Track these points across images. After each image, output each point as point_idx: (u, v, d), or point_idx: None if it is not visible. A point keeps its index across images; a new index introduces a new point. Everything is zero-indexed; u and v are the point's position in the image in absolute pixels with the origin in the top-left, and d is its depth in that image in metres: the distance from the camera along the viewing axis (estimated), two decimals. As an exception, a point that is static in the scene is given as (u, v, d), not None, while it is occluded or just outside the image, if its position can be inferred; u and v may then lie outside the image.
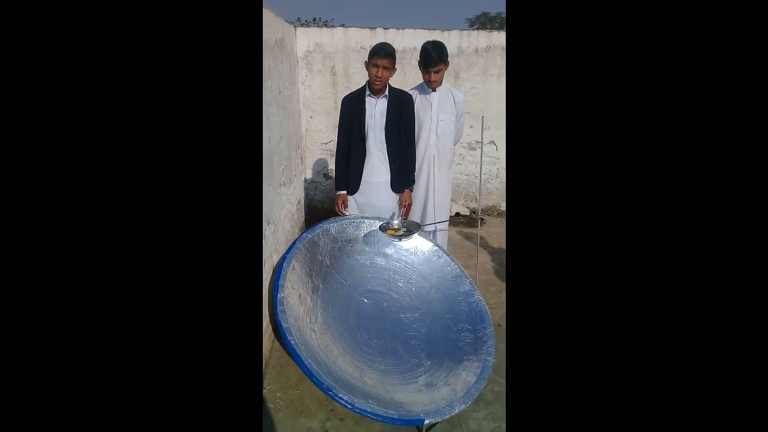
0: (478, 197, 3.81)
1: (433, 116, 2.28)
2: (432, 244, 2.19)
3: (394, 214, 2.20)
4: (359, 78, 3.55)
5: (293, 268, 1.77)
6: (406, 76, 3.57)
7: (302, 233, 1.97)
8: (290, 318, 1.58)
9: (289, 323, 1.55)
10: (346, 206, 2.25)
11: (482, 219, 3.29)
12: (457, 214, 3.81)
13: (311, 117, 3.66)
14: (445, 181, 2.39)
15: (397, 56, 3.59)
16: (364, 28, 3.48)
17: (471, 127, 3.44)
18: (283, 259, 1.80)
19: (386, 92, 2.17)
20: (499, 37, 3.58)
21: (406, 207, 2.22)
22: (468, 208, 3.92)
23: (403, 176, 2.26)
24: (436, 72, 2.16)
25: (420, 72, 2.27)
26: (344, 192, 2.25)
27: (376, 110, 2.17)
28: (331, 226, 2.06)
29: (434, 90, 2.26)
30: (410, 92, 2.34)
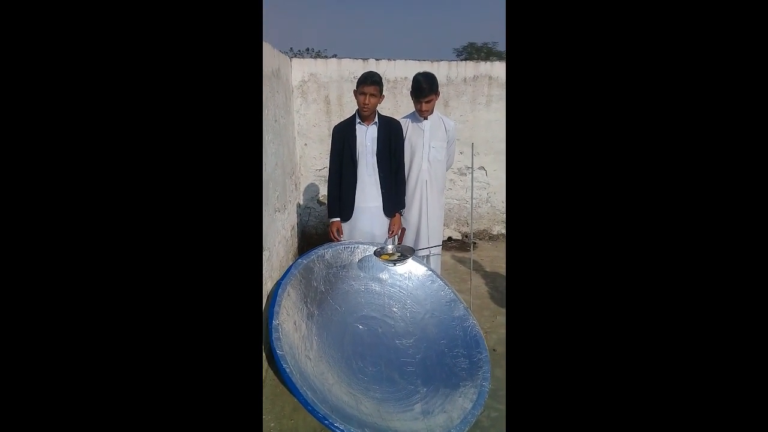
0: (469, 221, 3.86)
1: (425, 143, 2.35)
2: (426, 268, 2.21)
3: (388, 239, 2.22)
4: (352, 107, 3.64)
5: (288, 295, 1.77)
6: (398, 105, 3.68)
7: (297, 259, 1.98)
8: (285, 345, 1.57)
9: (284, 350, 1.54)
10: (341, 233, 2.27)
11: (474, 243, 3.32)
12: (450, 238, 3.84)
13: (305, 144, 3.73)
14: (438, 206, 2.44)
15: (389, 86, 3.74)
16: (357, 58, 3.60)
17: (461, 153, 3.53)
18: (278, 285, 1.81)
19: (376, 119, 2.24)
20: (486, 67, 3.72)
21: (398, 232, 2.24)
22: (460, 232, 3.96)
23: (394, 201, 2.31)
24: (427, 102, 2.24)
25: (412, 101, 2.36)
26: (338, 219, 2.28)
27: (366, 137, 2.23)
28: (326, 251, 2.07)
29: (426, 118, 2.34)
30: (402, 120, 2.41)
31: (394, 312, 2.09)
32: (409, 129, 2.37)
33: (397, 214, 2.32)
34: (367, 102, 2.12)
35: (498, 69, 3.67)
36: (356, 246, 2.17)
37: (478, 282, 3.03)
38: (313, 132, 3.70)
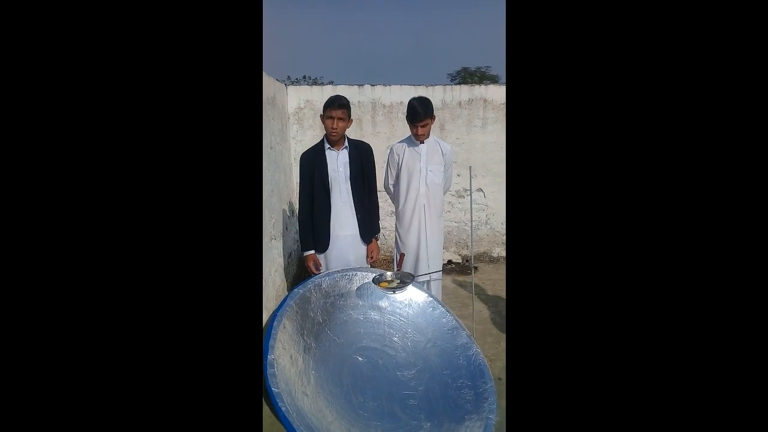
0: (470, 244, 3.82)
1: (423, 167, 2.33)
2: (426, 294, 2.15)
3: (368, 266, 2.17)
4: (348, 131, 3.65)
5: (284, 327, 1.71)
6: (394, 130, 3.69)
7: (293, 288, 1.92)
8: (281, 382, 1.49)
9: (280, 387, 1.47)
10: (318, 266, 2.18)
11: (475, 267, 3.27)
12: (450, 261, 3.79)
13: (302, 170, 3.72)
14: (437, 230, 2.40)
15: (384, 111, 3.76)
16: (353, 85, 3.63)
17: (458, 175, 3.52)
18: (273, 316, 1.74)
19: (346, 143, 2.18)
20: (480, 90, 3.76)
21: (377, 257, 2.19)
22: (459, 255, 3.91)
23: (369, 226, 2.24)
24: (422, 126, 2.24)
25: (407, 126, 2.35)
26: (313, 252, 2.18)
27: (338, 163, 2.14)
28: (323, 280, 2.02)
29: (422, 142, 2.33)
30: (399, 145, 2.40)
31: (395, 341, 2.02)
32: (406, 153, 2.36)
33: (374, 240, 2.28)
34: (335, 126, 2.06)
35: (492, 92, 3.71)
36: (354, 273, 2.12)
37: (480, 307, 2.96)
38: (309, 158, 3.70)
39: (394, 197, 2.50)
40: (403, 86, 3.66)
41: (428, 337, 2.04)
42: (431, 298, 2.15)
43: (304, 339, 1.79)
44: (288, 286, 2.92)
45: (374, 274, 2.08)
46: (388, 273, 2.01)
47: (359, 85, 3.65)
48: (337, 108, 2.04)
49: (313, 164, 2.14)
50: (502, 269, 3.68)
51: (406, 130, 3.98)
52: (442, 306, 2.13)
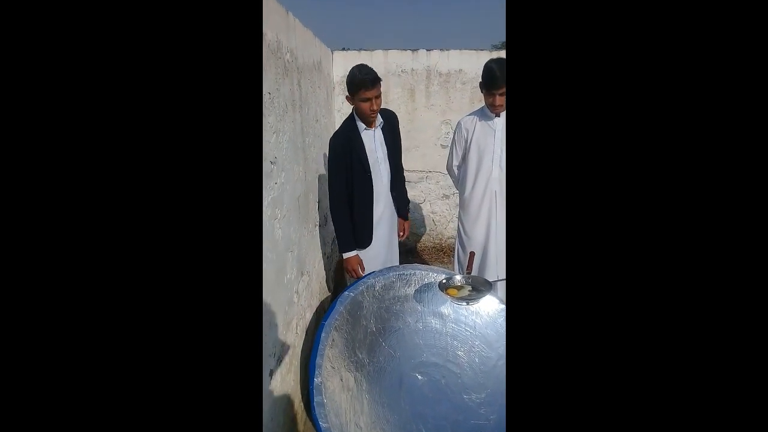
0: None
1: (497, 145, 1.93)
2: (498, 301, 1.80)
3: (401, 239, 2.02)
4: (399, 102, 3.27)
5: (333, 341, 1.42)
6: (451, 101, 3.26)
7: (343, 291, 1.62)
8: (331, 414, 1.21)
9: (329, 422, 1.19)
10: (363, 268, 1.90)
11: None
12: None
13: (346, 146, 3.39)
14: None
15: (441, 79, 3.33)
16: (405, 50, 3.21)
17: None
18: (321, 327, 1.46)
19: (380, 119, 1.87)
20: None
21: (408, 232, 2.09)
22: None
23: (404, 199, 2.12)
24: (501, 95, 1.82)
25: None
26: (355, 252, 1.89)
27: (375, 143, 1.86)
28: (377, 280, 1.70)
29: (498, 115, 1.92)
30: (468, 118, 2.00)
31: (459, 357, 1.70)
32: (477, 128, 1.96)
33: (407, 214, 2.15)
34: (374, 108, 1.74)
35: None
36: (412, 273, 1.79)
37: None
38: (355, 132, 3.35)
39: (460, 181, 2.11)
40: (464, 51, 3.19)
41: (500, 352, 1.71)
42: (503, 306, 1.80)
43: (356, 353, 1.50)
44: (332, 280, 2.65)
45: (439, 275, 1.74)
46: (457, 277, 1.66)
47: (413, 50, 3.21)
48: (371, 87, 1.69)
49: (350, 150, 1.80)
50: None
51: (463, 102, 3.51)
52: (517, 316, 1.77)
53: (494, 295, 1.79)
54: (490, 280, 1.71)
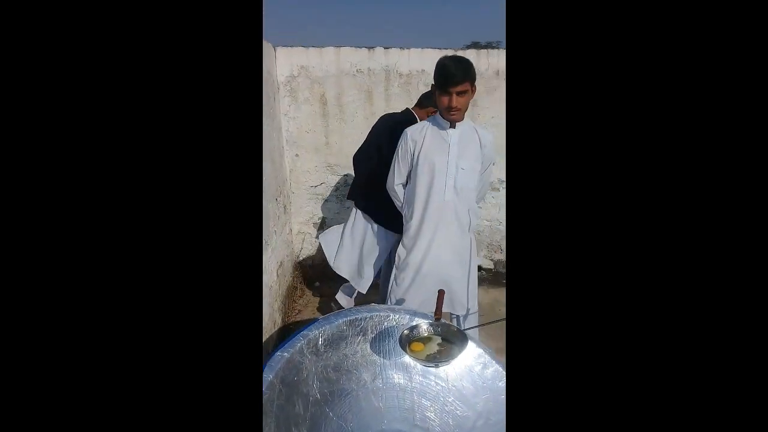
0: (504, 247, 3.13)
1: (451, 162, 1.61)
2: (474, 345, 1.47)
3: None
4: (355, 107, 2.92)
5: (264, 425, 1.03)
6: (412, 104, 2.95)
7: (274, 351, 1.24)
8: None
9: None
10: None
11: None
12: (479, 267, 3.11)
13: (297, 155, 3.00)
14: (464, 255, 1.71)
15: (401, 81, 3.01)
16: (361, 47, 2.87)
17: (493, 164, 2.80)
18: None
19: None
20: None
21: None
22: (492, 260, 3.22)
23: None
24: (459, 94, 1.50)
25: (435, 99, 1.62)
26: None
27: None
28: (320, 332, 1.33)
29: (453, 126, 1.60)
30: (417, 127, 1.69)
31: (429, 419, 1.36)
32: (427, 140, 1.63)
33: None
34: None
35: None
36: (367, 316, 1.43)
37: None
38: (306, 140, 2.97)
39: (405, 204, 1.76)
40: (425, 49, 2.89)
41: (478, 410, 1.38)
42: (480, 350, 1.47)
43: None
44: (278, 317, 2.25)
45: (402, 316, 1.39)
46: (424, 325, 1.31)
47: (369, 48, 2.88)
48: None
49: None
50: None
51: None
52: (497, 362, 1.45)
53: (460, 331, 1.46)
54: (463, 329, 1.38)
